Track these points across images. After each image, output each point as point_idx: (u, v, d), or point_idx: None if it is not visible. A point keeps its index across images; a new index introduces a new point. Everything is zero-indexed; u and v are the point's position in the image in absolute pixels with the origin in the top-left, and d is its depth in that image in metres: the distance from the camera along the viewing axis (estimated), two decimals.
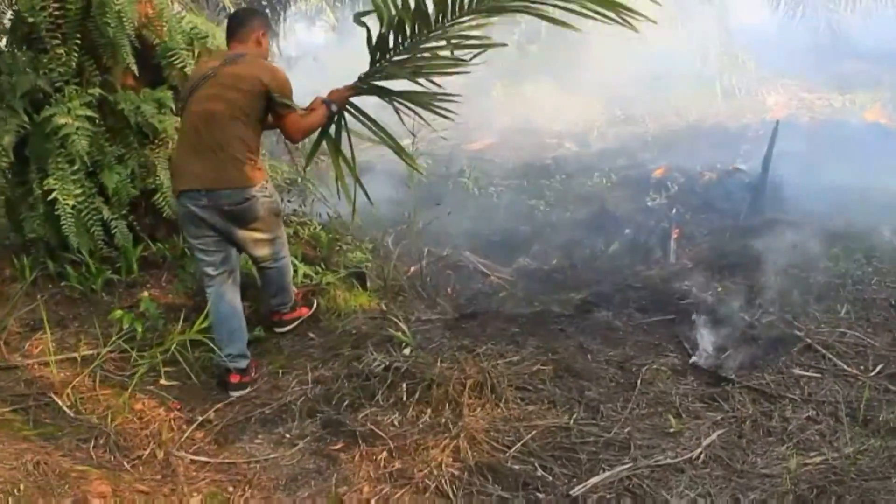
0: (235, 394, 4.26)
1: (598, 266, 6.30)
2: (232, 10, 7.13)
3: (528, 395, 4.09)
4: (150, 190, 5.37)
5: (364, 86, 4.41)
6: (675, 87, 13.32)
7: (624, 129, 11.94)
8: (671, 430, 3.81)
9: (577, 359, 4.44)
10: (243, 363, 4.32)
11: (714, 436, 3.75)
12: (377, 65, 4.39)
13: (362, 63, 4.41)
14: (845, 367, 4.33)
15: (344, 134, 4.54)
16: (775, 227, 6.19)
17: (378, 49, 4.34)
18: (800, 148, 8.53)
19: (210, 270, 4.32)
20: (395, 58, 4.35)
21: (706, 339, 4.62)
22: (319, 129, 4.48)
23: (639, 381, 4.22)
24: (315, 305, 5.07)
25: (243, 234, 4.32)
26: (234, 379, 4.29)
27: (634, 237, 6.67)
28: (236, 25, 4.37)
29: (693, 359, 4.48)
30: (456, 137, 11.78)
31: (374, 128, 4.46)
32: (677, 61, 14.15)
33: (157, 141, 5.39)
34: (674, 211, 7.05)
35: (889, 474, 3.38)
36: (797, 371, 4.33)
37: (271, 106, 4.20)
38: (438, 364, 4.23)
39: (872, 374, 4.26)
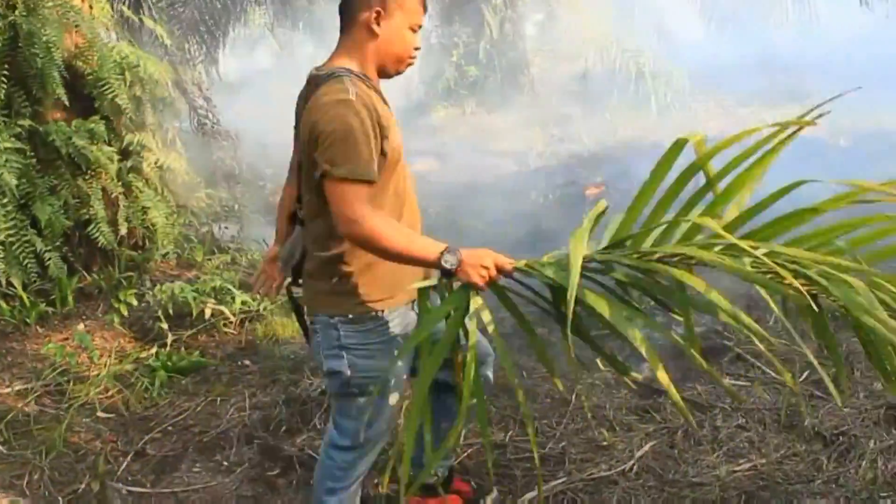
0: None
1: (536, 284, 6.35)
2: (167, 41, 7.12)
3: None
4: (83, 221, 5.35)
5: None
6: (612, 105, 13.57)
7: (562, 147, 12.10)
8: (605, 444, 3.88)
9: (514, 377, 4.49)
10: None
11: (646, 447, 3.82)
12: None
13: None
14: (773, 374, 4.45)
15: None
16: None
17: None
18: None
19: None
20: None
21: (639, 353, 4.69)
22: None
23: (573, 397, 4.28)
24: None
25: None
26: None
27: None
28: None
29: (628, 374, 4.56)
30: None
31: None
32: (614, 78, 14.44)
33: (90, 172, 5.37)
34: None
35: (812, 477, 3.48)
36: (728, 381, 4.43)
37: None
38: None
39: (800, 380, 4.37)
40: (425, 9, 2.65)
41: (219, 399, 4.46)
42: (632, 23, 16.47)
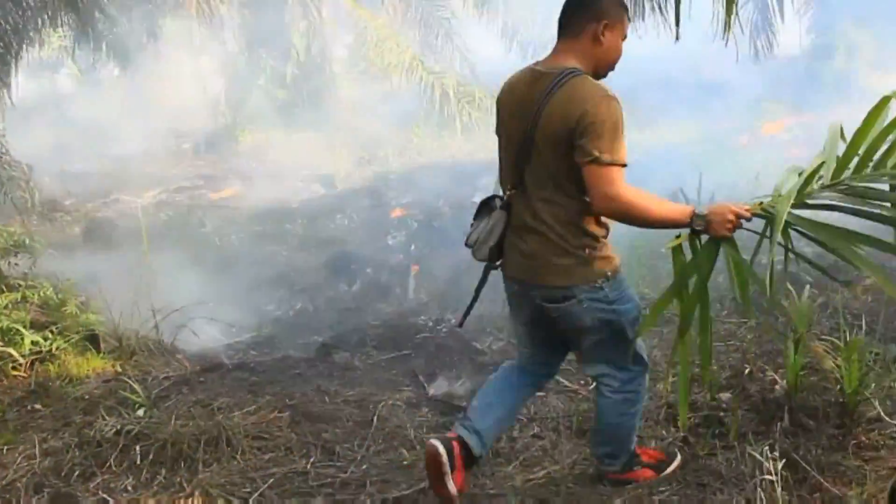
0: None
1: (340, 307, 6.40)
2: None
3: (264, 443, 4.08)
4: None
5: (772, 212, 2.85)
6: (418, 126, 13.79)
7: (369, 169, 12.20)
8: (406, 463, 3.91)
9: (315, 402, 4.49)
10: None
11: None
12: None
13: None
14: (567, 383, 4.62)
15: None
16: None
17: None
18: None
19: None
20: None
21: (440, 370, 4.80)
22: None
23: (375, 419, 4.31)
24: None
25: None
26: None
27: (376, 276, 6.83)
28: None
29: (430, 391, 4.64)
30: (204, 186, 11.66)
31: None
32: (420, 100, 14.68)
33: None
34: (412, 248, 7.29)
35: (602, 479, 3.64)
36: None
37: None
38: (173, 422, 4.14)
39: (592, 387, 4.55)
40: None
41: (5, 448, 4.21)
42: (437, 45, 16.84)
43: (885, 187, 2.82)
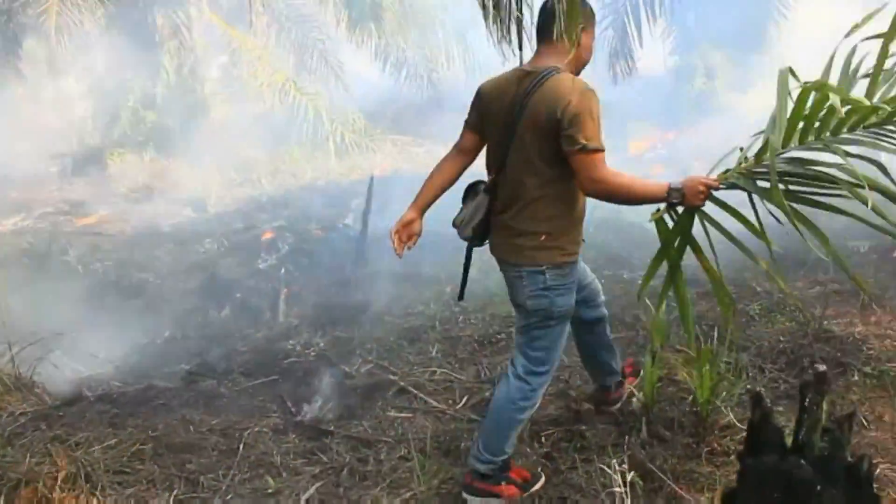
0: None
1: (208, 334, 6.30)
2: None
3: (126, 478, 4.00)
4: None
5: (737, 181, 3.19)
6: (291, 147, 13.70)
7: (241, 191, 12.05)
8: (271, 491, 3.89)
9: (179, 432, 4.41)
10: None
11: (312, 489, 3.87)
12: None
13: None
14: (435, 403, 4.67)
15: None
16: (376, 279, 6.57)
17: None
18: (406, 200, 9.10)
19: None
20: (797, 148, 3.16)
21: (308, 394, 4.78)
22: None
23: (241, 447, 4.27)
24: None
25: None
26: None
27: (245, 301, 6.76)
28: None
29: (297, 416, 4.62)
30: (70, 211, 11.30)
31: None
32: (294, 121, 14.59)
33: None
34: (283, 271, 7.24)
35: (464, 499, 3.69)
36: (392, 413, 4.59)
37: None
38: (28, 460, 4.01)
39: (459, 406, 4.63)
40: None
41: None
42: (311, 65, 16.77)
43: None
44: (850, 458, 2.27)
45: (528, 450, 4.01)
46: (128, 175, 13.49)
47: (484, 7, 3.35)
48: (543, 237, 3.30)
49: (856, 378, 4.50)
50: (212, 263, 7.87)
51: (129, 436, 4.34)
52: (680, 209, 3.26)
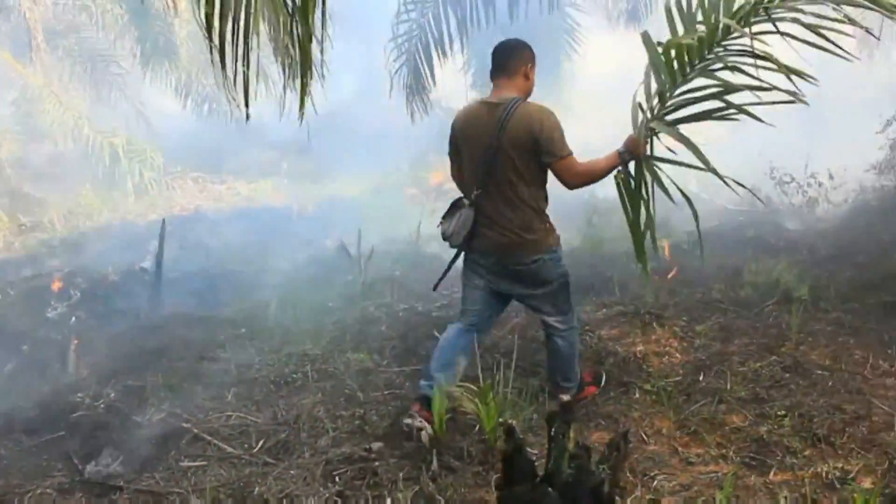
0: None
1: None
2: None
3: None
4: None
5: (654, 127, 4.14)
6: (87, 187, 13.19)
7: (31, 236, 11.48)
8: None
9: None
10: None
11: None
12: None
13: None
14: (230, 449, 4.59)
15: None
16: (170, 323, 6.42)
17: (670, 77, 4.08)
18: (205, 239, 8.96)
19: None
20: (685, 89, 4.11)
21: (96, 449, 4.62)
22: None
23: None
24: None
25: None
26: None
27: (32, 354, 6.44)
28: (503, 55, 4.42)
29: (84, 474, 4.44)
30: None
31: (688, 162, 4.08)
32: (89, 160, 14.08)
33: None
34: (73, 319, 6.96)
35: None
36: (186, 463, 4.48)
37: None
38: None
39: (255, 450, 4.58)
40: None
41: None
42: (112, 101, 16.25)
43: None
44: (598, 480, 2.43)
45: (322, 489, 4.03)
46: None
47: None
48: (547, 225, 4.36)
49: (637, 395, 4.81)
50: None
51: None
52: (632, 166, 4.18)
